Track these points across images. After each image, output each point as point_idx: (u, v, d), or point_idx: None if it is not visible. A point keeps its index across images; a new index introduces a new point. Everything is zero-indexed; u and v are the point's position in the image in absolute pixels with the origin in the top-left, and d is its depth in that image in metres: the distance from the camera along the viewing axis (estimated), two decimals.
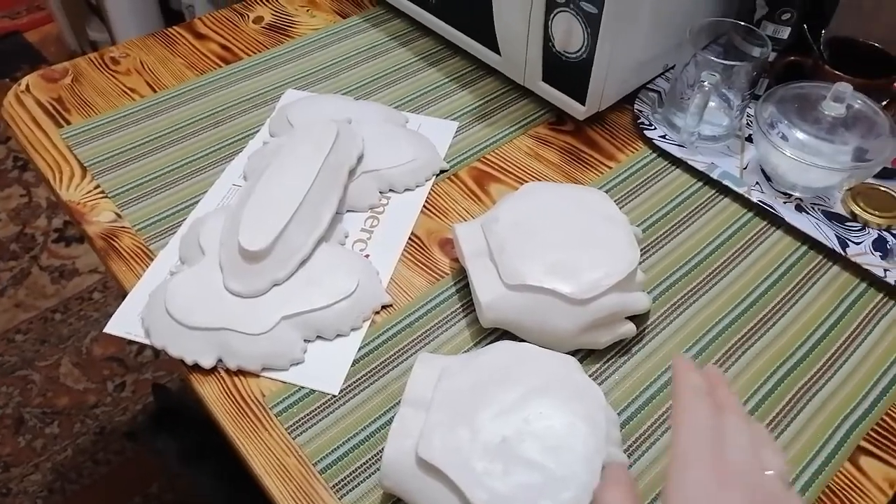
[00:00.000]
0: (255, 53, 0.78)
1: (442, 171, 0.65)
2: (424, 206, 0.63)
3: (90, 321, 1.43)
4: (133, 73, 0.75)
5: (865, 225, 0.61)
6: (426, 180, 0.64)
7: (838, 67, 0.64)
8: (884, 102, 0.63)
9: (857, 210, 0.61)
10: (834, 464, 0.47)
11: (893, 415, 0.49)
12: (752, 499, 0.32)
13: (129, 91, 0.73)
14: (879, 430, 0.49)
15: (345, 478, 0.46)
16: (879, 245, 0.59)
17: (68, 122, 0.69)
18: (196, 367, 0.50)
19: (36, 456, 1.24)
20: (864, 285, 0.57)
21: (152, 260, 0.57)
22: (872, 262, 0.57)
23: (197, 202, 0.62)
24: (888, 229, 0.60)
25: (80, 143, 0.67)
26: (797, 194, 0.63)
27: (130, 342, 1.37)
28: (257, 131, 0.68)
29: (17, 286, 1.50)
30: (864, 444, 0.48)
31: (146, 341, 0.52)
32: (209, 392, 0.50)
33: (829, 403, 0.50)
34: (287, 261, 0.54)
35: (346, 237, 0.59)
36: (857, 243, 0.59)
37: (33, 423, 1.28)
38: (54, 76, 0.74)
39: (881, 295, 0.56)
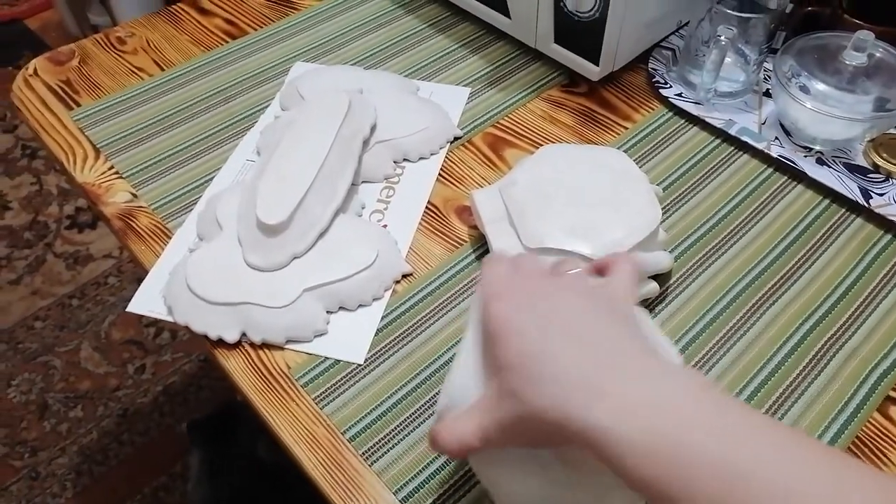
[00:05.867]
0: (261, 27, 0.77)
1: (456, 139, 0.65)
2: (440, 174, 0.62)
3: (107, 305, 1.44)
4: (140, 52, 0.74)
5: (889, 176, 0.60)
6: (440, 148, 0.64)
7: (857, 16, 0.63)
8: None
9: (880, 161, 0.60)
10: (863, 414, 0.46)
11: None
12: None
13: (136, 70, 0.72)
14: None
15: (374, 445, 0.46)
16: None
17: (78, 104, 0.69)
18: (220, 342, 0.51)
19: (62, 440, 1.26)
20: (888, 236, 0.56)
21: (170, 238, 0.57)
22: None
23: (211, 179, 0.62)
24: None
25: (91, 125, 0.67)
26: (818, 147, 0.62)
27: (148, 325, 1.40)
28: (268, 106, 0.68)
29: (32, 274, 1.51)
30: (893, 393, 0.48)
31: (169, 318, 0.52)
32: (234, 366, 0.50)
33: (857, 355, 0.49)
34: (306, 233, 0.54)
35: (363, 208, 0.59)
36: (881, 194, 0.58)
37: (57, 408, 1.30)
38: (61, 59, 0.74)
39: None
